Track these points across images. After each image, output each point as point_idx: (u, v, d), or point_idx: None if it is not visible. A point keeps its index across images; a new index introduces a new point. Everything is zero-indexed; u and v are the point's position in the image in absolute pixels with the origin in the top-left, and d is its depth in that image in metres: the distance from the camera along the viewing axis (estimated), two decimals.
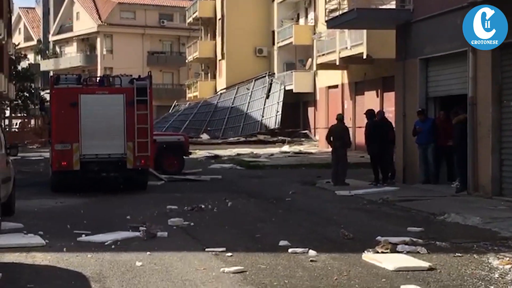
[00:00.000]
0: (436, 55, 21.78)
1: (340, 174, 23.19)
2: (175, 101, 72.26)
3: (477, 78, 19.45)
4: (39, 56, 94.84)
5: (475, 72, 19.47)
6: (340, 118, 23.97)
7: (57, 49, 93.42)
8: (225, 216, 16.70)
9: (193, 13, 72.09)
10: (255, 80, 62.49)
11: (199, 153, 42.91)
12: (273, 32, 62.02)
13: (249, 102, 61.22)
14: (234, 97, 63.14)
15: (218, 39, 68.26)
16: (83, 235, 13.84)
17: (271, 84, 60.31)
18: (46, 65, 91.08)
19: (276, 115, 56.98)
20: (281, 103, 56.97)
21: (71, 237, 13.65)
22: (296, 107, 58.00)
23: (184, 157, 29.27)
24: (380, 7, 26.39)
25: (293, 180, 25.64)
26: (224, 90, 65.84)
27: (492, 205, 17.50)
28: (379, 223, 15.58)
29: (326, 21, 27.32)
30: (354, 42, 36.79)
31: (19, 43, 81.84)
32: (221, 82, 67.72)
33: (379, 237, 13.00)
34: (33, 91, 75.06)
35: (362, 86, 39.49)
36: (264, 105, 59.18)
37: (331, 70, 41.43)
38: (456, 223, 15.43)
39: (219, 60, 68.31)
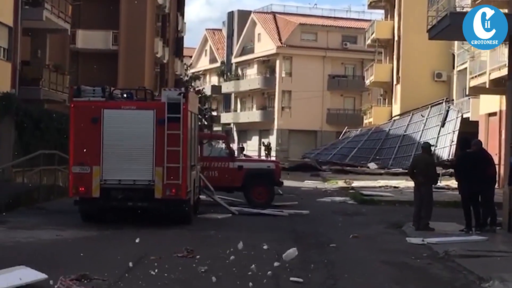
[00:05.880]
0: None
1: (424, 216, 18.64)
2: (346, 127, 68.39)
3: None
4: (222, 78, 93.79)
5: None
6: (426, 147, 19.41)
7: (239, 71, 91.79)
8: (198, 270, 12.73)
9: (371, 34, 68.08)
10: (431, 107, 57.62)
11: (339, 183, 38.99)
12: (453, 54, 56.91)
13: (422, 130, 56.37)
14: (408, 124, 58.60)
15: (395, 62, 63.94)
16: None
17: (447, 111, 55.22)
18: (227, 87, 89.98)
19: (451, 145, 51.38)
20: (457, 132, 51.63)
21: None
22: (475, 137, 52.45)
23: (276, 187, 25.59)
24: None
25: (384, 221, 21.43)
26: (398, 117, 61.41)
27: None
28: None
29: (427, 31, 22.74)
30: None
31: (190, 63, 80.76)
32: (396, 108, 63.37)
33: None
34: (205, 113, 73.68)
35: None
36: (439, 134, 54.13)
37: (484, 94, 36.18)
38: None
39: (395, 84, 63.97)
